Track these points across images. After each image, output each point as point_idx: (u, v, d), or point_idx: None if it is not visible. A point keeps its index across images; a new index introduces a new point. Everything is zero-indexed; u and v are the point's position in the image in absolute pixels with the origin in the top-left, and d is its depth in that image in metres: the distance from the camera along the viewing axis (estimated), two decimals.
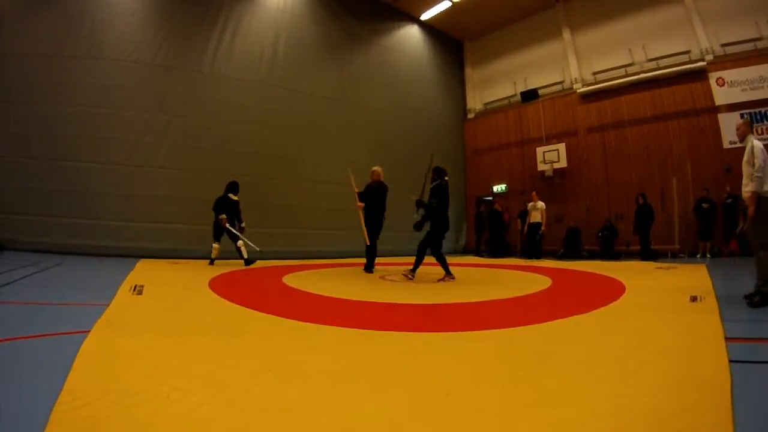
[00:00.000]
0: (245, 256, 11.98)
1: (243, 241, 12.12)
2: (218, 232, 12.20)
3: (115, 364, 3.22)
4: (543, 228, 17.22)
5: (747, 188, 6.17)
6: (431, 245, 10.04)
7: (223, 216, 11.95)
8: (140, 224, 13.49)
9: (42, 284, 7.55)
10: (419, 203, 10.29)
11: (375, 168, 11.76)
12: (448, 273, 9.85)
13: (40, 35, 13.22)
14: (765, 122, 15.26)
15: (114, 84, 13.84)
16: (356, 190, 11.58)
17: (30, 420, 2.26)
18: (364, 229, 11.20)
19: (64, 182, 13.05)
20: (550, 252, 18.84)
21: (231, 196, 12.22)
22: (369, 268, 11.29)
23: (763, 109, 15.38)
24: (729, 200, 15.01)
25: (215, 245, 12.27)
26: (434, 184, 10.05)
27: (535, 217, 17.35)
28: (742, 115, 14.96)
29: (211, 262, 12.04)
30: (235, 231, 12.11)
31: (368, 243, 11.30)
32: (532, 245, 17.63)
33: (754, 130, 6.88)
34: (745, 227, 6.52)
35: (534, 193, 17.95)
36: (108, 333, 4.02)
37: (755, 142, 6.20)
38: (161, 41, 14.71)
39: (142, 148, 14.12)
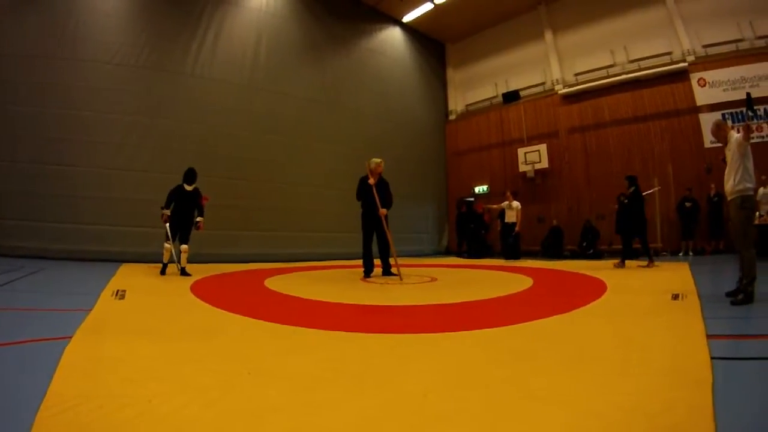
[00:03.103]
0: (164, 260, 10.46)
1: (177, 246, 10.58)
2: (172, 230, 10.58)
3: (97, 368, 3.22)
4: (517, 228, 17.13)
5: (730, 183, 6.26)
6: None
7: (165, 211, 10.48)
8: (123, 228, 13.41)
9: (24, 290, 7.53)
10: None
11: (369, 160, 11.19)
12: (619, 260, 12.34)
13: (23, 36, 13.13)
14: (746, 122, 15.36)
15: (97, 86, 13.79)
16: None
17: (14, 425, 2.27)
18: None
19: (47, 186, 12.97)
20: (533, 252, 18.92)
21: (185, 186, 10.77)
22: (365, 272, 10.89)
23: (744, 109, 15.49)
24: (715, 198, 15.17)
25: (167, 245, 10.48)
26: (635, 189, 12.62)
27: (510, 217, 17.19)
28: (723, 116, 15.12)
29: (163, 271, 10.35)
30: (168, 234, 10.51)
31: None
32: (506, 246, 17.61)
33: (735, 129, 6.92)
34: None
35: (508, 192, 17.85)
36: (91, 338, 4.04)
37: (738, 135, 6.30)
38: (144, 43, 14.67)
39: (125, 151, 14.07)
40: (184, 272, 10.37)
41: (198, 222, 10.80)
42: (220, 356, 3.71)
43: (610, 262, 13.03)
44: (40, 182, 12.91)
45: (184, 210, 10.65)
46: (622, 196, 15.17)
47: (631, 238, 12.52)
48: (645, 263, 12.07)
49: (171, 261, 10.51)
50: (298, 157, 17.72)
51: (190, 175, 10.84)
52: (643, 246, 12.51)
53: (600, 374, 3.16)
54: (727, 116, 15.41)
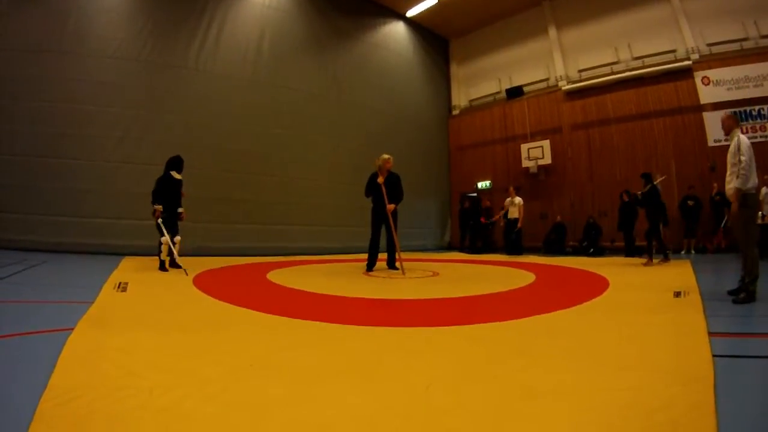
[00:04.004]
0: (162, 257, 9.72)
1: (170, 238, 9.75)
2: (165, 224, 9.77)
3: (99, 360, 3.23)
4: (519, 224, 17.14)
5: (730, 185, 6.21)
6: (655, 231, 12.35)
7: (159, 207, 9.80)
8: (125, 221, 13.34)
9: (26, 282, 7.53)
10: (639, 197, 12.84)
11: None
12: (662, 256, 12.15)
13: (24, 30, 13.06)
14: (749, 121, 15.39)
15: (99, 80, 13.74)
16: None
17: (15, 417, 2.28)
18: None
19: (49, 179, 12.94)
20: (535, 248, 18.91)
21: (174, 174, 10.28)
22: (368, 266, 10.91)
23: (747, 108, 15.50)
24: (717, 197, 15.15)
25: (164, 239, 9.66)
26: (651, 186, 12.41)
27: (513, 212, 17.19)
28: (734, 113, 15.16)
29: (164, 267, 9.67)
30: (163, 229, 9.69)
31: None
32: (509, 241, 17.61)
33: (741, 129, 6.86)
34: (728, 222, 6.62)
35: (511, 188, 17.90)
36: (92, 330, 4.05)
37: (742, 137, 6.21)
38: (146, 37, 14.60)
39: (126, 144, 14.02)
40: (176, 264, 9.83)
41: (181, 213, 10.42)
42: (222, 349, 3.72)
43: (612, 259, 13.04)
44: (41, 176, 12.89)
45: (172, 200, 10.17)
46: (624, 193, 15.14)
47: (656, 233, 12.41)
48: (644, 260, 12.06)
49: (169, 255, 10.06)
50: (300, 151, 17.70)
51: (179, 163, 10.50)
52: (649, 242, 12.38)
53: (601, 370, 3.18)
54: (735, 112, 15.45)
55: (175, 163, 10.46)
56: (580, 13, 20.52)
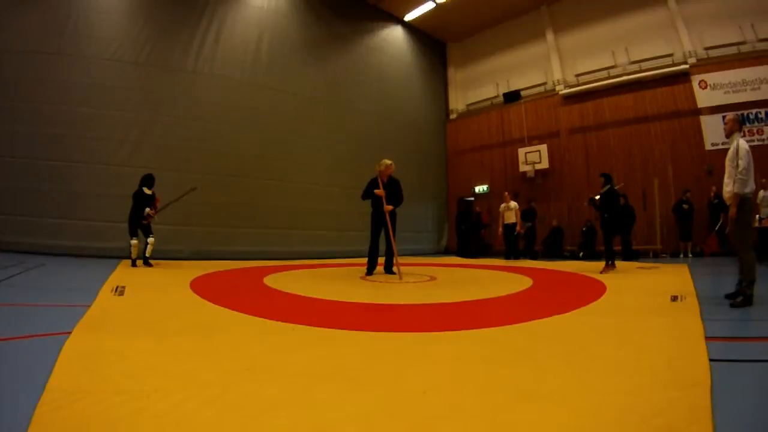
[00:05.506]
0: (147, 254, 11.56)
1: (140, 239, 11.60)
2: (138, 227, 11.63)
3: (96, 364, 3.22)
4: (518, 228, 17.18)
5: (728, 188, 6.21)
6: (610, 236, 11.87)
7: (148, 209, 11.55)
8: (123, 225, 13.17)
9: (24, 285, 7.52)
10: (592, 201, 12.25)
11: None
12: (610, 263, 11.49)
13: (23, 32, 13.07)
14: (747, 124, 15.40)
15: (98, 83, 13.74)
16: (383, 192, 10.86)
17: (12, 421, 2.27)
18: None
19: (47, 182, 12.94)
20: (533, 252, 18.91)
21: (145, 190, 11.65)
22: (368, 270, 10.90)
23: (744, 112, 15.51)
24: (716, 201, 15.13)
25: (134, 241, 11.42)
26: (608, 188, 11.85)
27: (509, 217, 17.20)
28: (723, 118, 15.15)
29: (146, 262, 11.50)
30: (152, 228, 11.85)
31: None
32: (509, 246, 17.64)
33: (741, 133, 6.83)
34: (728, 229, 6.57)
35: (506, 193, 17.88)
36: (90, 334, 4.04)
37: (741, 142, 6.19)
38: (145, 39, 14.63)
39: (125, 147, 14.04)
40: (135, 263, 11.33)
41: (150, 212, 11.64)
42: (219, 353, 3.71)
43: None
44: (40, 178, 12.89)
45: (142, 211, 11.58)
46: (622, 197, 15.11)
47: (625, 236, 12.18)
48: (643, 265, 11.99)
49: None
50: (298, 155, 17.72)
51: (150, 180, 11.92)
52: (605, 246, 11.85)
53: (597, 374, 3.17)
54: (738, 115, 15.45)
55: (147, 180, 11.87)
56: (577, 18, 20.59)
